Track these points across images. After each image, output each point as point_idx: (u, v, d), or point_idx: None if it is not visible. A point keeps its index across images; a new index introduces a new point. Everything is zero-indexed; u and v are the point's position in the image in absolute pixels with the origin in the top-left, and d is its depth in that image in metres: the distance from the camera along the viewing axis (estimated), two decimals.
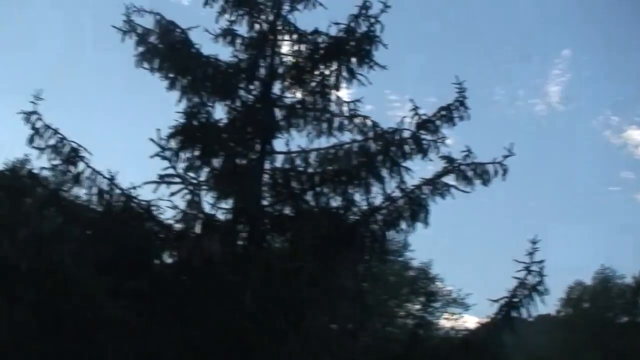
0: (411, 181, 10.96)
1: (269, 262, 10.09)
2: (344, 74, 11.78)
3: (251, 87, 11.99)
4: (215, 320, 9.53)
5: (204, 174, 10.95)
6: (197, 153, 11.04)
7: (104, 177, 10.33)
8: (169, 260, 10.29)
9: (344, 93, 12.02)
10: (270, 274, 9.85)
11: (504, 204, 60.22)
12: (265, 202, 11.22)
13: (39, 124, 10.27)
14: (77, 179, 10.25)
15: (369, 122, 11.59)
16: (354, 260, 10.77)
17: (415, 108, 11.18)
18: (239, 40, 12.18)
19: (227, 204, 11.06)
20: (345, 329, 10.49)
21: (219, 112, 11.65)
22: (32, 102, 10.32)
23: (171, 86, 11.42)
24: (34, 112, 10.31)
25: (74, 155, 10.31)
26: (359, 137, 11.52)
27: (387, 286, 31.82)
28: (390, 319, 34.09)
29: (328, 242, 10.49)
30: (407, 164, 11.05)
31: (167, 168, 10.27)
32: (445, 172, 10.81)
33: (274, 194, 11.32)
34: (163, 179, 10.16)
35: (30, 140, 10.24)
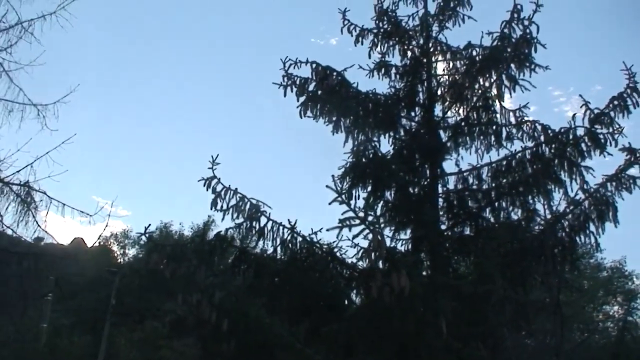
0: (593, 180, 10.41)
1: (458, 287, 9.96)
2: (505, 82, 11.56)
3: (412, 114, 12.15)
4: (412, 354, 9.55)
5: (379, 209, 11.16)
6: (369, 189, 11.28)
7: (286, 228, 10.76)
8: (357, 301, 10.46)
9: (508, 101, 11.78)
10: (460, 299, 9.73)
11: None
12: (443, 227, 11.18)
13: (219, 188, 10.90)
14: (261, 233, 10.74)
15: (538, 127, 11.27)
16: (545, 273, 10.34)
17: (586, 103, 10.63)
18: (393, 71, 12.48)
19: (406, 234, 11.16)
20: (545, 344, 10.04)
21: (385, 144, 11.87)
22: (210, 167, 10.96)
23: (335, 128, 11.76)
24: (213, 177, 10.94)
25: (255, 212, 10.84)
26: (530, 144, 11.23)
27: (582, 292, 29.91)
28: (590, 325, 31.99)
29: (515, 257, 10.22)
30: (586, 162, 10.51)
31: (346, 212, 10.52)
32: (628, 164, 10.14)
33: (451, 217, 11.26)
34: (344, 223, 10.39)
35: (213, 204, 10.87)
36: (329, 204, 10.55)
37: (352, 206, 10.19)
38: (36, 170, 13.32)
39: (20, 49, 13.78)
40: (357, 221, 9.30)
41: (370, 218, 9.53)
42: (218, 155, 10.92)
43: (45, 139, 13.76)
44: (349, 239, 10.30)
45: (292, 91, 12.01)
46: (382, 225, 10.87)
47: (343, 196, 10.25)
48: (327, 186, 10.39)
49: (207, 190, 11.01)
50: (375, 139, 11.75)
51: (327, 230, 10.04)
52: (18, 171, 13.27)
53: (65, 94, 14.15)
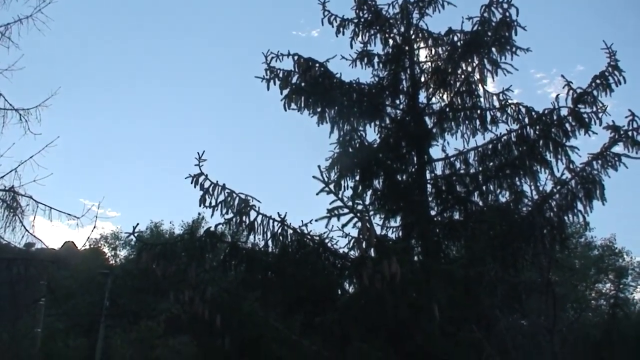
0: (579, 160, 10.48)
1: (449, 271, 10.00)
2: (487, 66, 11.65)
3: (397, 101, 12.18)
4: (407, 339, 9.60)
5: (368, 197, 11.19)
6: (357, 178, 11.30)
7: (275, 221, 10.75)
8: (350, 289, 10.48)
9: (491, 85, 11.83)
10: (452, 283, 9.77)
11: None
12: (433, 212, 11.22)
13: (207, 184, 10.87)
14: (251, 228, 10.72)
15: (522, 109, 11.33)
16: (535, 253, 10.39)
17: (569, 83, 10.68)
18: (376, 60, 12.48)
19: (396, 221, 11.19)
20: (539, 324, 10.10)
21: (371, 133, 11.88)
22: (197, 164, 10.92)
23: (321, 120, 11.76)
24: (201, 174, 10.91)
25: (244, 206, 10.81)
26: (515, 126, 11.30)
27: (573, 271, 30.09)
28: (582, 304, 32.21)
29: (505, 239, 10.27)
30: (571, 142, 10.59)
31: (334, 201, 10.52)
32: (613, 142, 10.20)
33: (440, 202, 11.32)
34: (332, 213, 10.39)
35: (202, 201, 10.83)
36: (317, 194, 10.53)
37: (341, 196, 10.23)
38: (21, 175, 13.25)
39: None
40: (346, 210, 9.28)
41: (359, 207, 9.53)
42: (204, 152, 10.88)
43: (29, 143, 13.69)
44: (339, 229, 10.35)
45: (275, 84, 11.95)
46: (372, 214, 10.91)
47: (331, 186, 10.25)
48: (314, 177, 10.37)
49: (195, 187, 10.99)
50: (361, 128, 11.77)
51: (316, 220, 10.04)
52: (2, 177, 13.19)
53: (46, 97, 14.03)
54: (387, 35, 12.58)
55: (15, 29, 13.99)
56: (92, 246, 39.81)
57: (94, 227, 14.60)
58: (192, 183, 10.98)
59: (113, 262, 42.61)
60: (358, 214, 9.26)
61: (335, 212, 9.32)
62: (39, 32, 13.97)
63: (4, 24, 13.92)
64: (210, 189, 10.89)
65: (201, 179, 10.91)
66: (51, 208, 13.67)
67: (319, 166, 10.33)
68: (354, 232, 10.39)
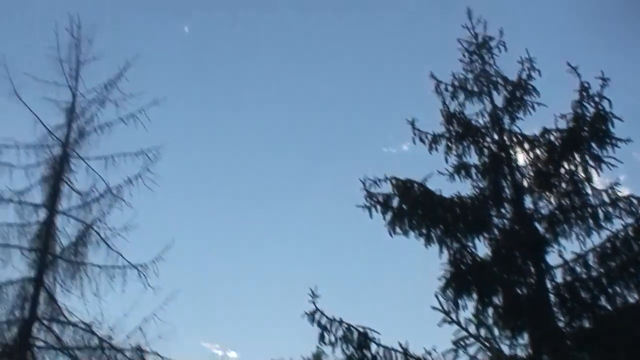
0: None
1: None
2: (590, 162, 11.35)
3: (502, 210, 11.95)
4: None
5: (489, 316, 10.86)
6: (475, 297, 11.02)
7: (398, 352, 10.57)
8: None
9: (596, 179, 11.49)
10: None
11: None
12: (560, 323, 10.74)
13: (323, 321, 10.86)
14: None
15: (634, 201, 10.92)
16: None
17: None
18: (473, 171, 12.36)
19: (523, 338, 10.76)
20: None
21: (481, 247, 11.65)
22: (311, 300, 10.93)
23: (427, 241, 11.64)
24: (316, 310, 10.91)
25: (363, 340, 10.72)
26: (630, 220, 10.81)
27: None
28: None
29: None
30: None
31: (459, 332, 10.24)
32: None
33: (566, 312, 10.81)
34: (459, 344, 10.14)
35: (321, 338, 10.81)
36: (438, 325, 10.38)
37: (458, 318, 9.99)
38: (145, 331, 13.65)
39: (113, 216, 14.42)
40: (472, 340, 9.03)
41: (482, 332, 9.28)
42: (317, 287, 10.97)
43: (149, 298, 14.15)
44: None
45: (377, 211, 11.99)
46: (497, 334, 10.54)
47: (452, 315, 10.06)
48: (432, 307, 10.25)
49: (311, 324, 11.00)
50: (469, 243, 11.57)
51: (442, 354, 9.83)
52: (129, 337, 13.63)
53: (161, 251, 14.58)
54: (481, 145, 12.52)
55: (126, 189, 14.78)
56: None
57: None
58: (308, 320, 11.02)
59: None
60: (485, 342, 9.00)
61: (462, 342, 9.11)
62: (148, 190, 14.69)
63: (116, 185, 14.70)
64: (328, 325, 10.88)
65: (317, 315, 10.93)
66: None
67: (436, 295, 10.21)
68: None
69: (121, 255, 14.44)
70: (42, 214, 14.83)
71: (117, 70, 15.22)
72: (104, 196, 14.75)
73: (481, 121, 12.78)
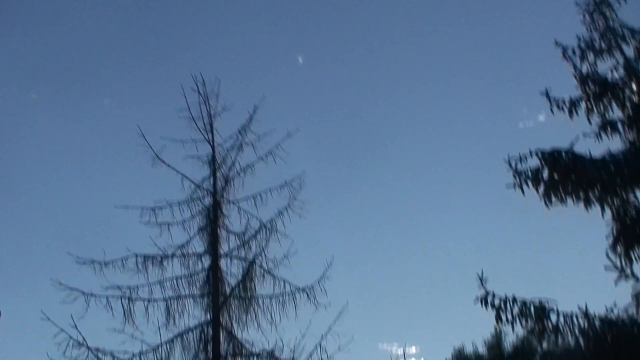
0: None
1: None
2: None
3: None
4: None
5: None
6: None
7: (577, 317, 10.47)
8: None
9: None
10: None
11: None
12: None
13: (496, 301, 10.90)
14: (556, 330, 10.52)
15: None
16: None
17: None
18: (619, 125, 12.22)
19: None
20: None
21: None
22: (481, 285, 11.04)
23: (587, 203, 11.52)
24: (487, 293, 11.00)
25: (541, 311, 10.67)
26: None
27: None
28: None
29: None
30: None
31: (638, 284, 9.99)
32: None
33: None
34: (638, 297, 9.93)
35: (497, 318, 10.85)
36: (615, 284, 10.25)
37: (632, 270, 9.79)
38: (325, 346, 14.04)
39: (272, 247, 15.09)
40: None
41: None
42: (482, 271, 11.09)
43: (322, 315, 14.57)
44: None
45: (528, 186, 11.98)
46: None
47: (627, 271, 9.90)
48: (605, 267, 10.14)
49: (485, 308, 11.07)
50: (631, 196, 11.36)
51: (625, 309, 9.69)
52: (310, 355, 14.08)
53: (324, 270, 15.04)
54: (622, 99, 12.34)
55: (279, 221, 15.46)
56: None
57: None
58: (481, 305, 11.09)
59: None
60: None
61: None
62: (299, 218, 15.29)
63: (268, 219, 15.42)
64: (502, 305, 10.91)
65: (489, 298, 10.99)
66: None
67: (607, 253, 10.10)
68: None
69: (287, 282, 15.01)
70: (207, 261, 15.61)
71: (247, 115, 15.97)
72: (260, 232, 15.39)
73: (617, 75, 12.61)
